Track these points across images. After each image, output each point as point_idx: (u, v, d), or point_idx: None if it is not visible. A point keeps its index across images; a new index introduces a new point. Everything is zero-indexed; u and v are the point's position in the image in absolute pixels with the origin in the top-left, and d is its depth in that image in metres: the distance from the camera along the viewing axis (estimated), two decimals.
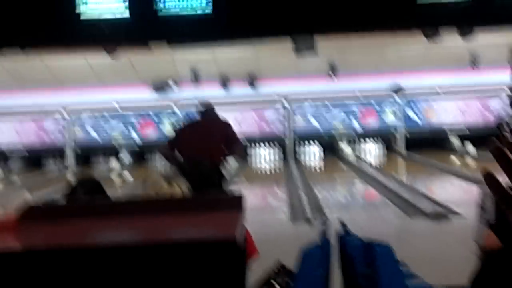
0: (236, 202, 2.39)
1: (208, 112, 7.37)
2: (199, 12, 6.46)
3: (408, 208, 10.11)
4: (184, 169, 3.62)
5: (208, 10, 6.49)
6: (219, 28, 6.67)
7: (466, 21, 7.05)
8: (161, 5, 6.38)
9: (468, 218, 8.32)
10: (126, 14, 6.50)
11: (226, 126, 7.31)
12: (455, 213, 9.31)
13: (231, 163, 16.75)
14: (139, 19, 6.57)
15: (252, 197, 14.06)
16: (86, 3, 6.34)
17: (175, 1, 6.38)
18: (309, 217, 9.13)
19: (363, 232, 7.90)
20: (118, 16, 6.52)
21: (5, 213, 2.17)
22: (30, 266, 1.83)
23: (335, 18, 6.88)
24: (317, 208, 10.61)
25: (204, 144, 6.84)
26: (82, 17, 6.48)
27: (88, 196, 3.40)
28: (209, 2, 6.36)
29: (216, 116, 7.42)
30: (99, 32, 6.65)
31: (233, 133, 7.29)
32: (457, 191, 13.19)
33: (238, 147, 7.42)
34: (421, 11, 6.48)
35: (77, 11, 6.39)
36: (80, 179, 3.73)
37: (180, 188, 2.91)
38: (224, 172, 6.82)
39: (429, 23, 7.24)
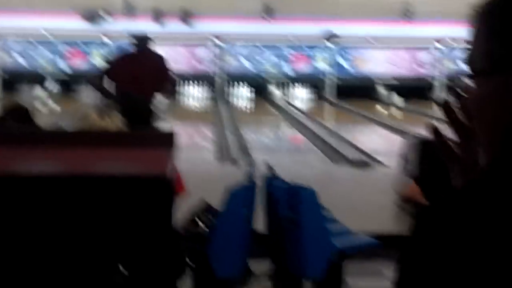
0: (167, 139, 2.41)
1: (142, 45, 7.16)
2: None
3: (333, 154, 10.28)
4: (117, 103, 3.58)
5: None
6: None
7: None
8: None
9: (391, 167, 8.54)
10: None
11: (160, 61, 7.20)
12: (378, 161, 9.52)
13: (161, 99, 16.57)
14: None
15: (181, 135, 14.05)
16: None
17: None
18: (235, 158, 9.20)
19: (287, 176, 8.05)
20: None
21: None
22: None
23: None
24: (244, 149, 10.69)
25: (137, 78, 6.68)
26: None
27: (17, 124, 3.35)
28: None
29: (150, 50, 7.25)
30: None
31: (166, 69, 7.20)
32: (382, 141, 13.47)
33: (169, 84, 7.36)
34: None
35: None
36: (9, 106, 3.66)
37: (112, 122, 2.88)
38: (154, 108, 6.74)
39: None
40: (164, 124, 12.18)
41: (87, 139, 2.29)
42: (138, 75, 6.78)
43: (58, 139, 2.26)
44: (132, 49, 7.33)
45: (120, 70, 6.93)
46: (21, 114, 3.50)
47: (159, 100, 7.33)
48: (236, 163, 9.05)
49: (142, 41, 7.24)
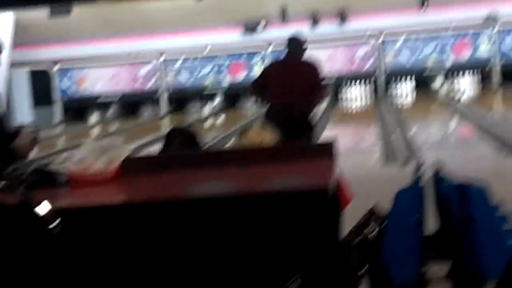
0: (328, 149, 2.40)
1: (296, 49, 7.00)
2: None
3: (503, 145, 9.88)
4: (273, 113, 3.54)
5: None
6: None
7: None
8: None
9: None
10: None
11: (315, 70, 6.95)
12: None
13: (318, 106, 16.57)
14: None
15: (344, 138, 14.03)
16: None
17: None
18: (402, 159, 9.04)
19: (458, 172, 7.82)
20: None
21: (105, 166, 2.25)
22: (131, 218, 1.90)
23: None
24: (410, 148, 10.50)
25: (292, 87, 6.58)
26: None
27: (183, 147, 3.47)
28: None
29: (303, 56, 7.04)
30: None
31: (321, 79, 6.93)
32: None
33: (323, 94, 7.09)
34: None
35: None
36: (175, 129, 3.80)
37: (269, 136, 2.89)
38: (310, 117, 6.42)
39: None
40: (326, 129, 12.22)
41: (246, 157, 2.33)
42: (291, 83, 6.68)
43: (219, 159, 2.31)
44: (285, 55, 7.23)
45: (273, 78, 6.83)
46: (187, 137, 3.61)
47: (316, 107, 7.17)
48: (404, 164, 8.89)
49: (295, 43, 7.08)
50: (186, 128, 3.82)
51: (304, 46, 7.11)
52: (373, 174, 8.80)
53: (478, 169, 8.53)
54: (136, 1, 15.10)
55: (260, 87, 6.94)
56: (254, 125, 3.67)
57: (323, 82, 7.00)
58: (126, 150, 2.28)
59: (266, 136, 2.96)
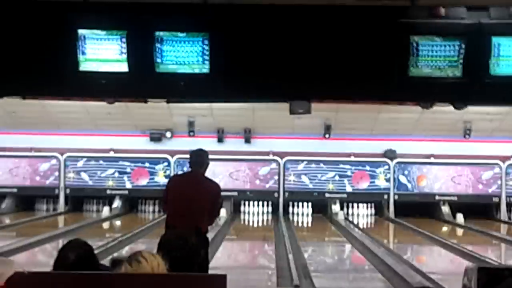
0: (219, 282, 2.45)
1: (199, 163, 7.02)
2: (197, 73, 6.57)
3: (394, 278, 10.12)
4: (166, 242, 3.54)
5: (206, 69, 6.59)
6: (215, 88, 6.77)
7: (457, 97, 7.16)
8: (160, 65, 6.49)
9: None
10: (125, 70, 6.60)
11: (215, 194, 6.95)
12: (439, 286, 9.33)
13: (221, 215, 16.87)
14: (138, 76, 6.67)
15: (240, 253, 14.08)
16: (85, 54, 6.45)
17: (174, 60, 6.50)
18: (297, 284, 9.14)
19: None
20: (117, 71, 6.62)
21: None
22: None
23: (330, 87, 7.00)
24: (304, 272, 10.63)
25: (189, 206, 6.64)
26: (81, 71, 6.57)
27: (77, 263, 3.42)
28: (206, 61, 6.47)
29: (205, 170, 7.04)
30: (97, 84, 6.74)
31: (218, 199, 6.95)
32: (444, 262, 13.23)
33: (217, 215, 7.07)
34: (413, 84, 6.60)
35: (77, 66, 6.49)
36: (70, 243, 3.74)
37: (160, 263, 2.89)
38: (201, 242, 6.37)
39: (421, 98, 7.36)
40: (224, 242, 12.21)
41: (138, 283, 2.35)
42: (189, 201, 6.69)
43: (110, 284, 2.32)
44: (187, 171, 7.19)
45: (172, 195, 6.85)
46: (82, 252, 3.57)
47: (210, 225, 7.03)
48: (297, 287, 8.98)
49: (198, 158, 7.12)
50: (82, 243, 3.77)
51: (207, 161, 7.11)
52: None
53: None
54: (45, 100, 15.06)
55: (164, 203, 6.98)
56: (145, 250, 3.60)
57: (220, 202, 7.02)
58: (13, 265, 2.25)
59: (158, 263, 2.98)
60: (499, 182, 20.09)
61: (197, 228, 6.47)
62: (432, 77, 6.58)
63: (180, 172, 17.34)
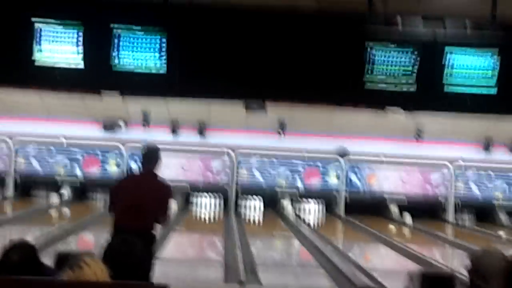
0: None
1: (150, 159, 6.80)
2: (153, 71, 6.59)
3: (339, 276, 10.26)
4: (112, 248, 3.50)
5: (163, 70, 6.62)
6: (171, 86, 6.80)
7: (411, 107, 7.31)
8: (116, 62, 6.49)
9: None
10: (81, 65, 6.59)
11: (165, 194, 6.82)
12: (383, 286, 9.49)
13: (172, 208, 16.77)
14: (94, 71, 6.66)
15: (189, 247, 14.10)
16: (41, 51, 6.41)
17: (130, 60, 6.50)
18: (242, 280, 9.20)
19: None
20: (73, 66, 6.60)
21: None
22: None
23: (285, 88, 7.08)
24: (252, 268, 10.70)
25: (137, 208, 6.54)
26: (36, 64, 6.54)
27: (21, 265, 3.40)
28: (164, 63, 6.50)
29: (156, 166, 6.83)
30: (52, 78, 6.72)
31: (165, 204, 6.78)
32: (389, 262, 13.43)
33: (164, 219, 6.84)
34: (368, 95, 6.72)
35: (32, 57, 6.46)
36: (14, 244, 3.70)
37: (102, 270, 2.87)
38: (155, 236, 6.68)
39: (376, 105, 7.49)
40: (174, 234, 12.20)
41: None
42: (138, 202, 6.58)
43: None
44: (137, 172, 7.13)
45: (121, 195, 6.73)
46: (26, 253, 3.55)
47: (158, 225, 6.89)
48: (242, 284, 9.04)
49: (149, 154, 6.90)
50: (25, 244, 3.74)
51: (158, 157, 6.92)
52: None
53: None
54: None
55: (111, 203, 6.85)
56: (89, 255, 3.52)
57: (166, 209, 6.81)
58: None
59: (101, 269, 2.98)
60: (447, 183, 20.43)
61: (145, 228, 6.45)
62: (386, 83, 6.70)
63: (133, 171, 17.37)
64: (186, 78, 6.79)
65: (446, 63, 6.62)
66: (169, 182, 7.06)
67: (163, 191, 6.80)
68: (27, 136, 20.08)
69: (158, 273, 10.03)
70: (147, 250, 5.83)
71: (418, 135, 20.03)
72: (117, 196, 6.79)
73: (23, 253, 3.52)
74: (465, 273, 3.98)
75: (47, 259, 4.93)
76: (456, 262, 13.63)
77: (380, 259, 14.00)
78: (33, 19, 6.47)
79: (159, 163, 6.96)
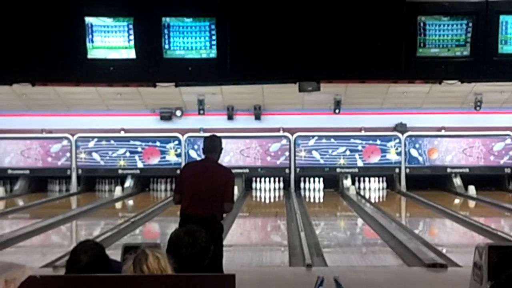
0: (228, 282, 2.48)
1: (212, 149, 6.99)
2: (204, 56, 6.58)
3: (406, 253, 10.16)
4: (176, 238, 3.53)
5: (213, 54, 6.61)
6: (223, 71, 6.78)
7: (465, 76, 7.16)
8: (167, 48, 6.51)
9: (465, 267, 8.39)
10: (133, 55, 6.63)
11: (227, 180, 6.94)
12: (453, 263, 9.37)
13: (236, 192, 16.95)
14: (146, 61, 6.69)
15: (253, 231, 14.15)
16: (93, 42, 6.47)
17: (181, 45, 6.51)
18: (309, 263, 9.19)
19: (360, 280, 7.98)
20: (124, 56, 6.64)
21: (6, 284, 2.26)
22: None
23: (339, 67, 7.00)
24: (317, 249, 10.69)
25: (203, 195, 6.73)
26: (89, 56, 6.60)
27: (90, 265, 3.43)
28: (213, 45, 6.49)
29: (219, 155, 7.04)
30: (105, 71, 6.77)
31: (228, 189, 6.93)
32: (455, 236, 13.24)
33: (229, 206, 6.95)
34: (421, 64, 6.59)
35: (85, 50, 6.52)
36: (82, 244, 3.74)
37: (166, 263, 2.91)
38: (222, 225, 6.85)
39: (429, 77, 7.36)
40: (237, 219, 12.22)
41: (147, 286, 2.38)
42: (204, 190, 6.77)
43: (119, 285, 2.36)
44: (202, 159, 7.19)
45: (187, 184, 6.87)
46: (95, 253, 3.59)
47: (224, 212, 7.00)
48: (309, 267, 9.03)
49: (211, 144, 7.06)
50: (93, 244, 3.78)
51: (220, 146, 7.08)
52: (279, 275, 8.89)
53: (380, 278, 8.76)
54: (57, 85, 15.11)
55: (177, 192, 6.99)
56: (153, 249, 3.56)
57: (231, 195, 6.98)
58: (25, 270, 2.28)
59: (166, 264, 3.00)
60: (510, 153, 20.05)
61: (212, 215, 6.67)
62: (439, 57, 6.57)
63: (193, 160, 17.37)
64: (236, 63, 6.76)
65: (500, 30, 6.46)
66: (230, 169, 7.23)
67: (226, 177, 6.92)
68: (87, 131, 20.42)
69: (223, 259, 10.12)
70: (215, 238, 6.07)
71: (478, 105, 19.67)
72: (182, 185, 6.91)
73: (92, 253, 3.56)
74: None
75: (115, 252, 5.01)
76: None
77: (445, 233, 13.83)
78: (86, 18, 6.53)
79: (221, 152, 7.13)
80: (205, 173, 6.86)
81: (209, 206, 6.69)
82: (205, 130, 20.26)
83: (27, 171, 20.56)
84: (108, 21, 6.48)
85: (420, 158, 20.27)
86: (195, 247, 3.55)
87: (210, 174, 6.85)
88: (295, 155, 20.33)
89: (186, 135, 20.30)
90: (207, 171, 6.89)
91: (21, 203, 18.44)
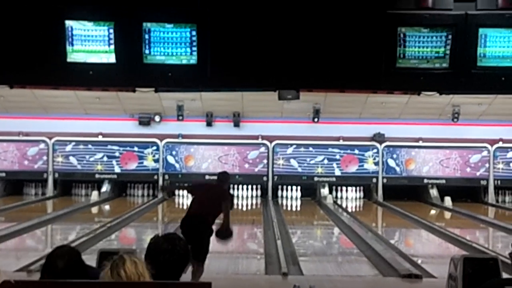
0: None
1: (223, 181, 9.14)
2: (184, 62, 6.58)
3: (382, 264, 10.19)
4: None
5: (193, 60, 6.60)
6: (203, 77, 6.77)
7: (444, 87, 7.20)
8: (147, 53, 6.49)
9: (440, 278, 8.44)
10: (113, 59, 6.60)
11: (226, 196, 8.96)
12: (428, 274, 9.41)
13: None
14: (126, 65, 6.66)
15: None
16: (73, 45, 6.44)
17: (161, 51, 6.50)
18: (285, 272, 9.20)
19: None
20: (104, 60, 6.61)
21: None
22: None
23: (318, 77, 7.01)
24: (293, 259, 10.68)
25: (208, 205, 8.59)
26: (68, 60, 6.56)
27: (66, 271, 3.41)
28: (194, 52, 6.48)
29: (227, 186, 9.27)
30: (85, 75, 6.73)
31: (226, 195, 8.98)
32: (431, 247, 13.32)
33: (227, 203, 8.88)
34: (401, 75, 6.62)
35: (65, 53, 6.48)
36: (58, 250, 3.72)
37: (143, 270, 2.93)
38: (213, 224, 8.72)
39: (408, 88, 7.40)
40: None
41: None
42: (207, 203, 8.60)
43: None
44: (215, 184, 9.32)
45: (198, 193, 9.00)
46: (70, 259, 3.56)
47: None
48: (285, 275, 9.04)
49: (223, 177, 9.26)
50: (69, 250, 3.76)
51: (229, 181, 9.52)
52: (255, 283, 8.89)
53: (356, 287, 8.79)
54: (36, 88, 15.05)
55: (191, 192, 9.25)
56: (131, 255, 3.60)
57: (229, 202, 8.99)
58: (0, 275, 2.26)
59: (143, 269, 2.99)
60: (487, 165, 20.21)
61: (207, 218, 8.57)
62: (419, 68, 6.61)
63: (172, 165, 17.57)
64: (217, 69, 6.75)
65: (479, 43, 6.50)
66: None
67: (222, 192, 8.94)
68: (65, 135, 20.30)
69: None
70: (206, 234, 8.55)
71: (455, 117, 19.79)
72: (197, 193, 9.06)
73: (68, 259, 3.54)
74: (508, 256, 3.92)
75: (90, 257, 4.98)
76: (499, 245, 13.49)
77: (421, 244, 13.89)
78: (66, 21, 6.49)
79: (229, 184, 9.73)
80: (213, 194, 8.82)
81: (208, 214, 8.62)
82: (183, 136, 20.23)
83: (3, 174, 20.39)
84: (89, 25, 6.45)
85: (398, 169, 20.37)
86: (173, 254, 3.55)
87: (216, 196, 8.76)
88: (273, 163, 20.35)
89: (164, 141, 20.26)
90: (215, 193, 8.87)
91: None
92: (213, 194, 8.79)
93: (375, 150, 20.31)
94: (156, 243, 3.63)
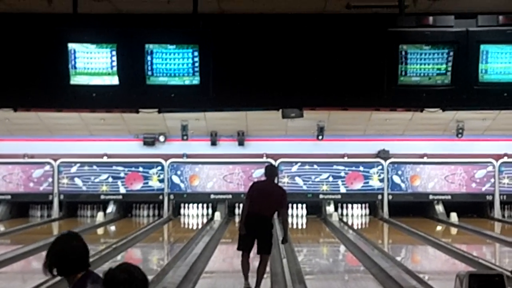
0: None
1: (271, 173, 9.85)
2: (187, 82, 6.60)
3: (388, 281, 10.16)
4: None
5: (196, 81, 6.62)
6: (206, 98, 6.79)
7: (446, 104, 7.21)
8: (150, 74, 6.52)
9: None
10: (116, 81, 6.63)
11: (282, 194, 9.72)
12: None
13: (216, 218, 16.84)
14: (129, 87, 6.69)
15: (236, 257, 14.08)
16: (76, 68, 6.47)
17: (164, 72, 6.53)
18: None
19: None
20: (107, 82, 6.64)
21: None
22: None
23: (320, 96, 7.03)
24: (299, 278, 10.65)
25: (266, 203, 9.44)
26: (71, 82, 6.59)
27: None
28: (196, 72, 6.50)
29: (275, 178, 10.07)
30: (88, 97, 6.76)
31: (284, 201, 9.74)
32: (437, 263, 13.27)
33: (284, 211, 9.97)
34: (403, 92, 6.63)
35: (68, 76, 6.51)
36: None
37: None
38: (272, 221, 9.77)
39: (410, 105, 7.42)
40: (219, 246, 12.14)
41: None
42: (265, 201, 9.44)
43: None
44: (264, 179, 9.89)
45: (255, 194, 9.61)
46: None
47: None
48: None
49: (270, 170, 9.99)
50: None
51: (277, 172, 10.55)
52: None
53: None
54: (40, 111, 15.10)
55: (247, 198, 9.74)
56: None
57: (285, 204, 9.82)
58: None
59: None
60: (492, 180, 20.17)
61: (268, 215, 9.57)
62: (421, 85, 6.62)
63: (177, 185, 17.36)
64: (220, 90, 6.77)
65: (481, 59, 6.52)
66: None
67: (281, 192, 9.80)
68: (70, 156, 20.33)
69: (205, 285, 10.07)
70: (270, 228, 9.75)
71: (460, 132, 19.78)
72: (253, 192, 9.64)
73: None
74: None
75: None
76: (506, 260, 13.44)
77: (427, 260, 13.84)
78: (69, 44, 6.53)
79: (276, 176, 10.44)
80: (267, 189, 9.65)
81: (267, 210, 9.54)
82: (188, 156, 20.24)
83: (9, 196, 20.41)
84: (91, 47, 6.49)
85: (403, 185, 20.33)
86: (132, 283, 3.50)
87: (270, 190, 9.65)
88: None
89: (169, 161, 20.28)
90: (269, 187, 9.71)
91: (2, 228, 18.27)
92: (267, 194, 9.50)
93: (380, 167, 20.29)
94: (112, 275, 3.57)
